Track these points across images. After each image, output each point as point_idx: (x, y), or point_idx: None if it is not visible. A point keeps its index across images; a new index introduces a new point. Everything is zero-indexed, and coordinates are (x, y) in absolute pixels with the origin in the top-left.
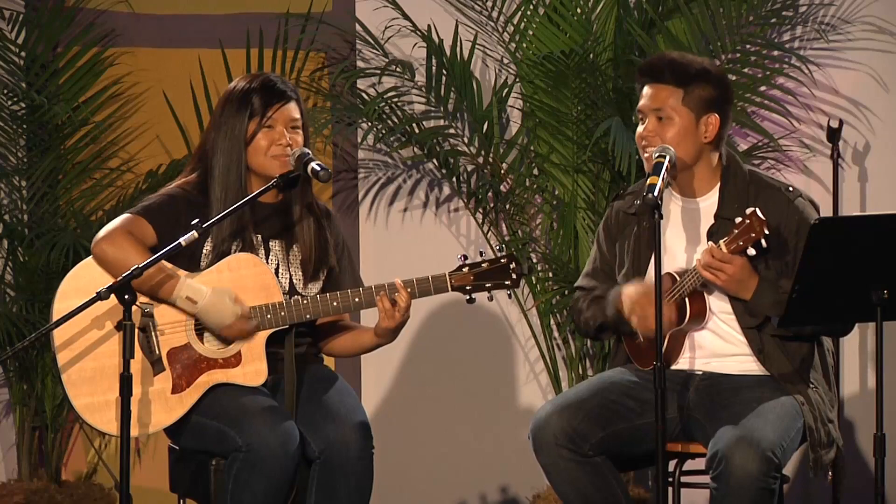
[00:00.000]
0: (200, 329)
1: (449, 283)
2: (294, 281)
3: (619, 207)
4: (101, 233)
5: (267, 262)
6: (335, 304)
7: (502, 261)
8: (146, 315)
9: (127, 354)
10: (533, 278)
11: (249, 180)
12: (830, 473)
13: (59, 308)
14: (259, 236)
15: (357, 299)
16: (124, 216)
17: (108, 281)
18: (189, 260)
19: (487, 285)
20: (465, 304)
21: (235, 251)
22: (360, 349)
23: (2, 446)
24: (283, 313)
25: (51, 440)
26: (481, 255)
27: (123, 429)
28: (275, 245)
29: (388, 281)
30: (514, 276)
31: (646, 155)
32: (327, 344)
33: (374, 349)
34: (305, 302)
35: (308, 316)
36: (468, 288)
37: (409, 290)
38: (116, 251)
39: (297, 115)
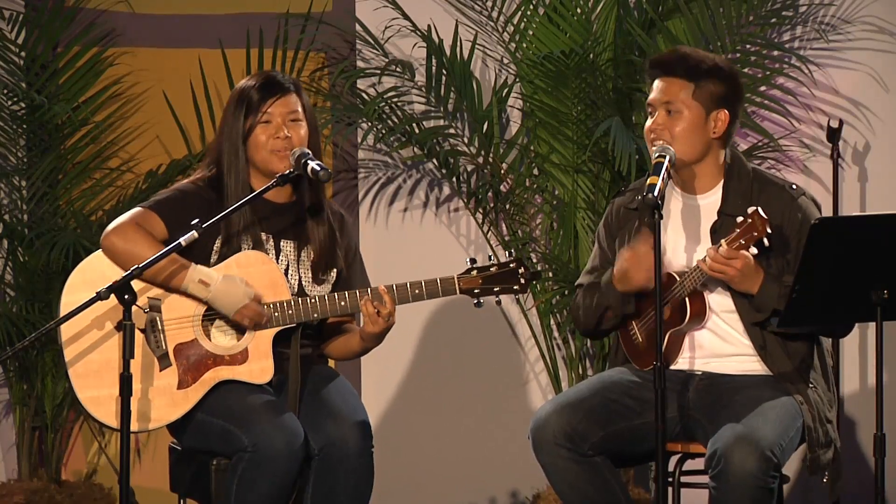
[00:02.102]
0: (209, 323)
1: (457, 285)
2: (304, 282)
3: (619, 203)
4: (111, 225)
5: (277, 262)
6: (342, 303)
7: (511, 265)
8: (153, 309)
9: (127, 354)
10: None
11: (252, 178)
12: (827, 474)
13: (67, 301)
14: (270, 236)
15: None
16: (135, 210)
17: (117, 274)
18: (198, 257)
19: (495, 289)
20: (465, 305)
21: (245, 249)
22: (349, 352)
23: (2, 446)
24: (290, 311)
25: (51, 440)
26: (490, 258)
27: (123, 428)
28: (286, 245)
29: (389, 283)
30: (522, 280)
31: (653, 148)
32: (325, 347)
33: (362, 353)
34: (313, 301)
35: (315, 315)
36: (476, 291)
37: (391, 296)
38: (126, 244)
39: (297, 108)
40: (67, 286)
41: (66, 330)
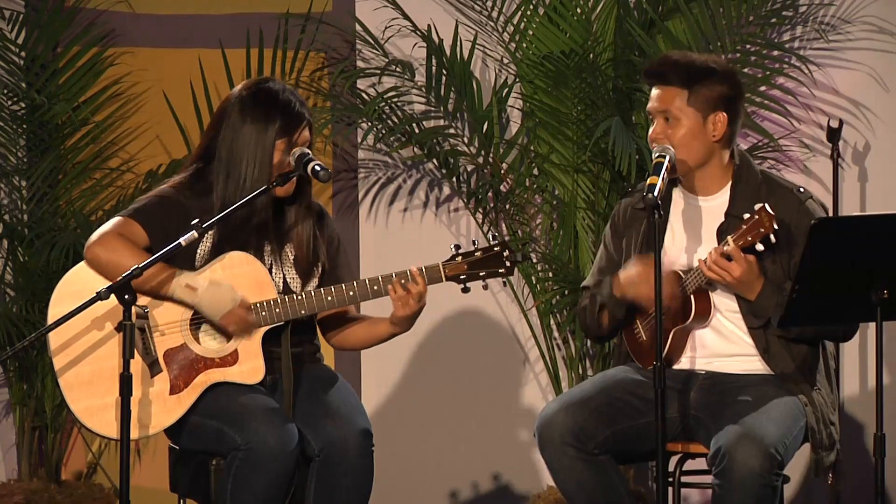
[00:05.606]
0: (197, 327)
1: (442, 273)
2: (288, 280)
3: (626, 204)
4: (93, 237)
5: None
6: (329, 298)
7: (495, 248)
8: (141, 317)
9: (127, 354)
10: (533, 278)
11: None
12: (831, 475)
13: (54, 314)
14: (252, 237)
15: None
16: (115, 219)
17: (102, 284)
18: (184, 261)
19: (481, 274)
20: (465, 304)
21: (228, 251)
22: (375, 339)
23: (2, 446)
24: (277, 310)
25: (51, 440)
26: (474, 244)
27: (123, 429)
28: (269, 245)
29: None
30: (507, 263)
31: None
32: (338, 336)
33: (389, 338)
34: (300, 297)
35: (303, 311)
36: (462, 277)
37: (423, 276)
38: (109, 254)
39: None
40: (54, 299)
41: (55, 339)
